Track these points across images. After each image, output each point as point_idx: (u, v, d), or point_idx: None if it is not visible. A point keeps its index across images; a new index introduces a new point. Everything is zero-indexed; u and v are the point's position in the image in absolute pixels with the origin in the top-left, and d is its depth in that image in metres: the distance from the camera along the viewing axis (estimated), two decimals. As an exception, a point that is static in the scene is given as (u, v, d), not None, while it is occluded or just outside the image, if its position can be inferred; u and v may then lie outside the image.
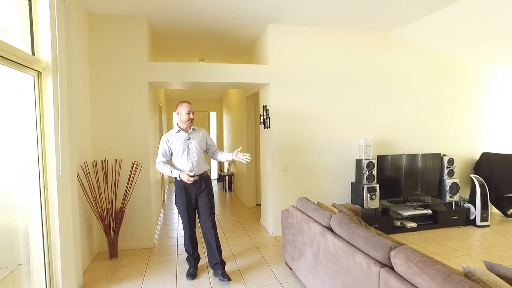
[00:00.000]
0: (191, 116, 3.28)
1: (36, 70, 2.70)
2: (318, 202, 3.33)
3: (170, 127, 9.65)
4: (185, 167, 3.24)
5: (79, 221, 3.26)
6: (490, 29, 4.10)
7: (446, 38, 4.62)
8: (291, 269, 3.39)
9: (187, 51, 5.85)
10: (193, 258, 3.43)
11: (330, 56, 4.64)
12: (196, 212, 3.39)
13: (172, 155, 3.31)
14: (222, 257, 3.39)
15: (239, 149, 3.34)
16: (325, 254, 2.51)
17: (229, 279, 3.24)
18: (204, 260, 3.70)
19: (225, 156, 3.41)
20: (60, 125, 2.77)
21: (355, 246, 2.17)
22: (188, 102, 3.31)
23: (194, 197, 3.31)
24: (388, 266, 1.86)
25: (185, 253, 3.49)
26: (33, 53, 2.72)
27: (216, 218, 3.62)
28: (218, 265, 3.33)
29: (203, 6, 3.75)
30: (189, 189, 3.28)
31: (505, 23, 3.86)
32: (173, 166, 3.31)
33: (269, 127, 4.59)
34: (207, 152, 3.49)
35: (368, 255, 2.01)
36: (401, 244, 1.89)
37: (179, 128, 3.31)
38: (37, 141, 2.72)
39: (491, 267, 1.68)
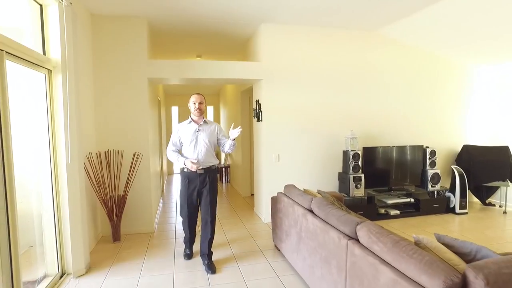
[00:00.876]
0: (197, 106, 3.33)
1: (47, 69, 2.99)
2: (304, 189, 3.65)
3: (168, 120, 9.96)
4: (191, 158, 3.32)
5: (86, 207, 3.57)
6: (472, 28, 4.36)
7: (430, 36, 4.90)
8: (279, 250, 3.72)
9: (185, 48, 6.12)
10: (189, 242, 3.63)
11: (319, 54, 4.93)
12: (199, 204, 3.48)
13: (182, 145, 3.40)
14: (211, 249, 3.50)
15: (232, 126, 3.37)
16: (306, 233, 2.83)
17: (213, 272, 3.27)
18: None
19: (227, 143, 3.42)
20: (69, 118, 3.07)
21: (330, 224, 2.49)
22: (197, 93, 3.40)
23: (197, 190, 3.36)
24: (354, 238, 2.17)
25: (183, 239, 3.81)
26: (44, 53, 3.01)
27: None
28: (205, 256, 3.43)
29: (199, 8, 4.02)
30: (193, 181, 3.34)
31: (487, 22, 4.13)
32: (181, 155, 3.41)
33: (262, 120, 4.89)
34: (219, 146, 3.51)
35: (339, 231, 2.33)
36: (366, 221, 2.21)
37: (191, 120, 3.40)
38: (48, 132, 3.02)
39: (438, 238, 1.99)
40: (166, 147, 3.64)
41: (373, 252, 1.94)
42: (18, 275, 2.39)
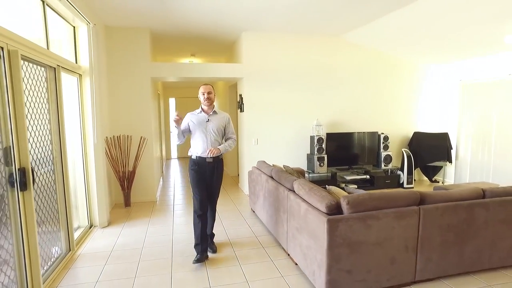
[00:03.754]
0: (206, 96, 3.35)
1: (79, 74, 4.07)
2: (273, 164, 4.78)
3: (166, 110, 11.02)
4: (200, 147, 3.34)
5: (106, 177, 4.68)
6: (422, 33, 5.33)
7: (385, 40, 5.95)
8: (254, 211, 4.87)
9: (181, 48, 7.14)
10: (199, 245, 3.36)
11: (292, 56, 6.00)
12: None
13: (190, 132, 3.43)
14: (212, 231, 3.66)
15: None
16: (268, 193, 3.97)
17: (214, 251, 3.54)
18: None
19: (226, 143, 3.48)
20: (95, 110, 4.15)
21: (280, 184, 3.62)
22: (205, 84, 3.42)
23: (208, 178, 3.41)
24: (292, 190, 3.31)
25: (181, 209, 4.88)
26: (76, 62, 4.08)
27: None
28: (207, 237, 3.53)
29: (192, 19, 5.05)
30: (202, 169, 3.37)
31: (434, 27, 5.08)
32: (191, 145, 3.45)
33: (243, 111, 5.99)
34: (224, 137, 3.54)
35: (285, 187, 3.46)
36: (300, 179, 3.34)
37: (201, 109, 3.44)
38: (80, 120, 4.11)
39: (343, 188, 3.12)
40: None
41: (300, 196, 3.07)
42: (71, 224, 3.52)
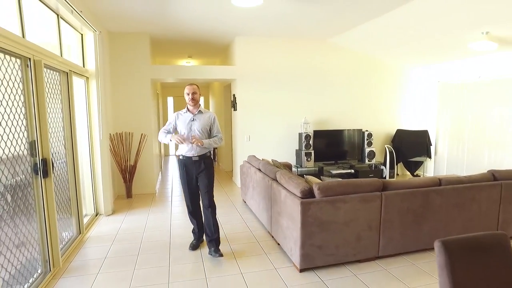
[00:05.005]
0: (191, 96, 3.39)
1: (86, 76, 4.51)
2: (262, 158, 5.24)
3: (165, 109, 11.46)
4: (185, 147, 3.41)
5: (110, 170, 5.14)
6: (401, 37, 5.78)
7: (369, 44, 6.40)
8: (245, 202, 5.34)
9: (178, 50, 7.58)
10: (196, 232, 3.69)
11: (282, 59, 6.46)
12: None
13: (175, 130, 3.53)
14: (218, 236, 3.49)
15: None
16: (256, 184, 4.44)
17: (221, 255, 3.35)
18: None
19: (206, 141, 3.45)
20: (101, 109, 4.61)
21: (266, 175, 4.09)
22: (190, 84, 3.45)
23: (195, 176, 3.46)
24: (275, 180, 3.77)
25: (179, 200, 5.35)
26: (83, 66, 4.53)
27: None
28: (212, 242, 3.44)
29: (189, 25, 5.49)
30: (190, 168, 3.44)
31: (411, 33, 5.51)
32: (178, 146, 3.49)
33: (237, 110, 6.45)
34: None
35: (269, 177, 3.93)
36: (282, 170, 3.81)
37: (187, 109, 3.50)
38: (87, 117, 4.56)
39: (323, 179, 3.59)
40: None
41: (281, 184, 3.54)
42: (81, 210, 3.98)
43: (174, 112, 3.86)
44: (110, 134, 5.48)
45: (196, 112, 3.49)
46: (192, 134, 3.39)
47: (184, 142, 3.33)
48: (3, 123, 2.38)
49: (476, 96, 6.00)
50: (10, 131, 2.47)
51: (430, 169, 7.19)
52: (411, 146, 7.08)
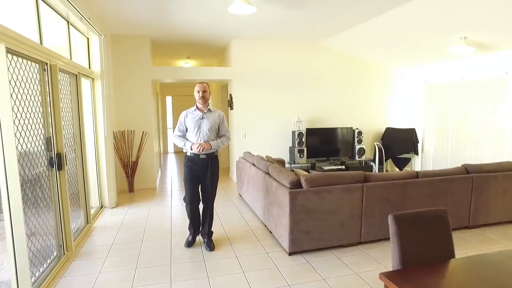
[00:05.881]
0: (201, 94, 3.41)
1: (91, 77, 4.83)
2: (256, 154, 5.58)
3: (164, 108, 11.77)
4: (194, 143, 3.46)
5: (113, 166, 5.46)
6: (390, 40, 6.11)
7: (359, 46, 6.73)
8: (240, 196, 5.68)
9: (177, 51, 7.89)
10: (193, 229, 3.72)
11: (275, 60, 6.79)
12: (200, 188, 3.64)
13: (187, 131, 3.55)
14: (211, 229, 3.73)
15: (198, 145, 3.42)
16: (251, 178, 4.78)
17: (212, 249, 3.58)
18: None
19: (214, 142, 3.49)
20: (106, 108, 4.93)
21: (260, 169, 4.43)
22: (201, 82, 3.48)
23: (199, 173, 3.51)
24: (267, 173, 4.11)
25: (179, 195, 5.66)
26: (89, 67, 4.85)
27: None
28: (205, 235, 3.71)
29: (188, 29, 5.81)
30: (195, 166, 3.48)
31: (399, 35, 5.84)
32: (187, 139, 3.55)
33: (233, 109, 6.79)
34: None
35: (262, 171, 4.28)
36: (274, 164, 4.16)
37: (196, 107, 3.52)
38: (92, 116, 4.88)
39: (311, 172, 3.93)
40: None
41: (273, 177, 3.88)
42: (89, 202, 4.31)
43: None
44: (113, 132, 5.80)
45: (206, 111, 3.50)
46: (199, 142, 3.40)
47: (202, 147, 3.36)
48: (26, 121, 2.70)
49: (459, 96, 6.36)
50: (31, 128, 2.80)
51: (418, 165, 7.55)
52: (400, 143, 7.43)
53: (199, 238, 3.85)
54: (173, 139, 3.58)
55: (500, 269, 1.63)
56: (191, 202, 3.60)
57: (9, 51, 2.34)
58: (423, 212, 1.80)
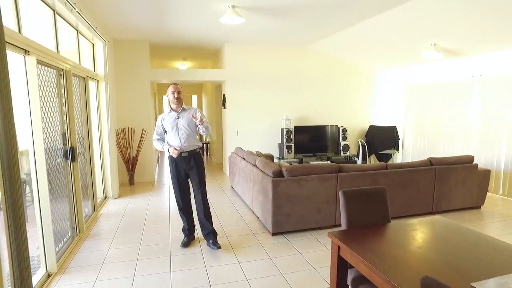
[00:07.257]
0: (176, 95, 3.43)
1: (96, 80, 5.32)
2: (247, 150, 6.09)
3: (160, 106, 12.25)
4: (174, 144, 3.48)
5: (116, 160, 5.95)
6: (372, 44, 6.71)
7: (344, 49, 7.26)
8: (233, 188, 6.19)
9: (174, 54, 8.37)
10: (187, 229, 3.76)
11: (266, 62, 7.30)
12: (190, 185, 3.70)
13: (166, 133, 3.59)
14: (213, 227, 3.69)
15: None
16: (241, 170, 5.29)
17: (219, 247, 3.57)
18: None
19: (200, 128, 3.47)
20: (110, 108, 5.42)
21: (249, 162, 4.95)
22: (174, 84, 3.50)
23: (184, 172, 3.55)
24: (255, 165, 4.63)
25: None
26: (94, 70, 5.34)
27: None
28: (210, 235, 3.64)
29: (183, 33, 6.30)
30: (179, 164, 3.52)
31: (380, 39, 6.45)
32: (166, 142, 3.59)
33: (226, 108, 7.30)
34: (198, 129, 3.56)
35: (251, 164, 4.79)
36: (262, 157, 4.68)
37: (170, 109, 3.57)
38: (97, 115, 5.36)
39: (294, 164, 4.44)
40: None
41: (259, 168, 4.40)
42: (95, 192, 4.80)
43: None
44: (116, 129, 6.29)
45: (180, 110, 3.54)
46: (174, 147, 3.47)
47: (176, 151, 3.45)
48: (48, 120, 3.20)
49: (434, 96, 6.92)
50: (51, 125, 3.29)
51: (399, 160, 8.10)
52: (382, 140, 7.99)
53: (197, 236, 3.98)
54: (153, 143, 3.68)
55: (420, 231, 2.17)
56: (182, 210, 3.70)
57: (38, 62, 2.83)
58: (366, 189, 2.33)
